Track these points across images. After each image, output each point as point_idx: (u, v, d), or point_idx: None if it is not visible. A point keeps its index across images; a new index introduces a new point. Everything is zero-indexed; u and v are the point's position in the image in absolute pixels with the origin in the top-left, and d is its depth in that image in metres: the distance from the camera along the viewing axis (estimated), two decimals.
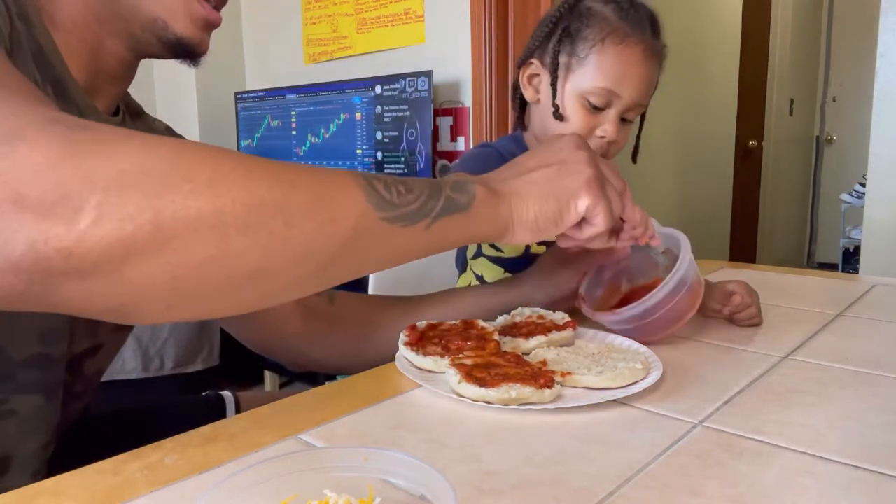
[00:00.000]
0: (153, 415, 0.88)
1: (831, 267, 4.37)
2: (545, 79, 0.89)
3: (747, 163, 4.15)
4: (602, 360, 0.63)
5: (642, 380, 0.59)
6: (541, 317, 0.75)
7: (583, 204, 0.57)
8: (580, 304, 0.76)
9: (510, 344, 0.68)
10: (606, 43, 0.84)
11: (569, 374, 0.59)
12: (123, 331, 0.74)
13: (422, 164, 2.07)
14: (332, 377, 1.81)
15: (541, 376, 0.57)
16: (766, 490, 0.43)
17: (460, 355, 0.63)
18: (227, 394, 0.90)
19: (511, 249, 0.94)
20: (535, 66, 0.91)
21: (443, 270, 1.06)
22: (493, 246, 0.94)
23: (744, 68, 3.98)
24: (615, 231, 0.65)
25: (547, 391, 0.55)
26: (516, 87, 0.95)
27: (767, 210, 4.35)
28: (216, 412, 0.87)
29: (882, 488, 0.43)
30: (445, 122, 2.18)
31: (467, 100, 2.13)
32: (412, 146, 2.08)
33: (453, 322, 0.72)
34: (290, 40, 2.64)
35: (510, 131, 1.07)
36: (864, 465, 0.46)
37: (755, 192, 4.29)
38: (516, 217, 0.55)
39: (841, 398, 0.58)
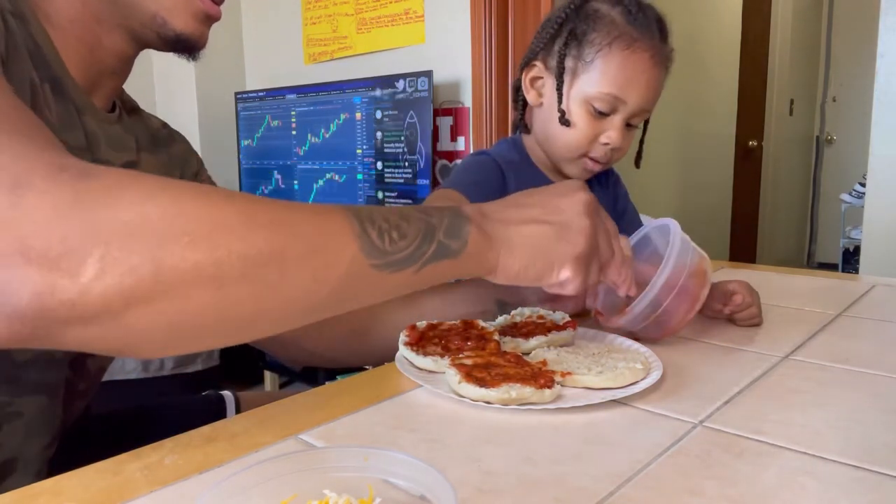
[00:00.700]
0: (153, 415, 0.88)
1: (831, 267, 4.37)
2: (549, 82, 0.88)
3: (747, 163, 4.15)
4: (602, 360, 0.63)
5: (642, 380, 0.59)
6: (541, 317, 0.75)
7: (564, 274, 0.57)
8: (598, 318, 0.74)
9: (510, 344, 0.68)
10: (614, 48, 0.82)
11: (569, 374, 0.59)
12: None
13: (422, 165, 2.07)
14: (332, 377, 1.81)
15: (541, 376, 0.57)
16: (766, 490, 0.43)
17: (460, 355, 0.63)
18: (227, 394, 0.90)
19: None
20: (538, 68, 0.89)
21: None
22: None
23: (744, 68, 3.98)
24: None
25: (547, 391, 0.55)
26: (518, 88, 0.94)
27: (767, 210, 4.35)
28: (216, 412, 0.87)
29: (882, 488, 0.43)
30: (445, 122, 2.18)
31: (467, 100, 2.13)
32: (412, 146, 2.08)
33: (453, 322, 0.72)
34: (290, 40, 2.64)
35: (510, 132, 1.06)
36: (864, 465, 0.46)
37: (755, 192, 4.29)
38: (501, 265, 0.56)
39: (841, 398, 0.58)
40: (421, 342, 0.68)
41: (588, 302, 0.75)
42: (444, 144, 2.20)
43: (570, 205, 0.58)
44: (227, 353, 2.33)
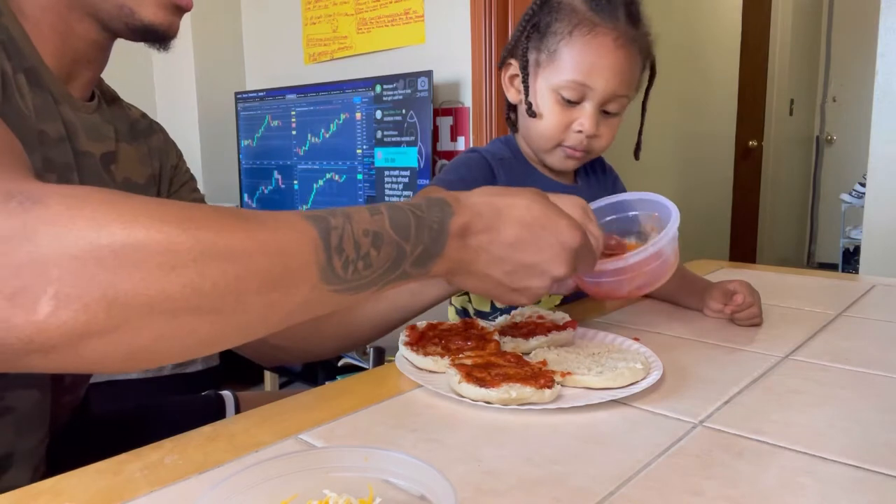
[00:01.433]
0: (153, 415, 0.88)
1: (831, 267, 4.38)
2: (521, 77, 0.89)
3: (747, 163, 4.15)
4: (602, 360, 0.63)
5: (642, 380, 0.59)
6: (541, 317, 0.75)
7: (519, 301, 0.60)
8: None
9: (510, 344, 0.68)
10: (574, 35, 0.82)
11: (569, 374, 0.59)
12: None
13: (422, 165, 2.07)
14: (332, 377, 1.81)
15: (541, 376, 0.57)
16: (766, 490, 0.43)
17: (460, 355, 0.63)
18: (227, 393, 0.90)
19: None
20: (513, 66, 0.90)
21: None
22: None
23: (744, 68, 3.98)
24: None
25: (547, 391, 0.55)
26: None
27: (767, 210, 4.35)
28: (216, 412, 0.87)
29: (882, 488, 0.43)
30: (445, 122, 2.18)
31: (467, 100, 2.13)
32: (412, 146, 2.08)
33: (453, 322, 0.72)
34: (290, 40, 2.64)
35: (510, 132, 1.06)
36: (865, 465, 0.46)
37: (755, 193, 4.29)
38: (459, 284, 0.58)
39: (841, 398, 0.58)
40: (421, 342, 0.68)
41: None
42: (444, 144, 2.20)
43: (551, 243, 0.57)
44: (227, 354, 2.33)
